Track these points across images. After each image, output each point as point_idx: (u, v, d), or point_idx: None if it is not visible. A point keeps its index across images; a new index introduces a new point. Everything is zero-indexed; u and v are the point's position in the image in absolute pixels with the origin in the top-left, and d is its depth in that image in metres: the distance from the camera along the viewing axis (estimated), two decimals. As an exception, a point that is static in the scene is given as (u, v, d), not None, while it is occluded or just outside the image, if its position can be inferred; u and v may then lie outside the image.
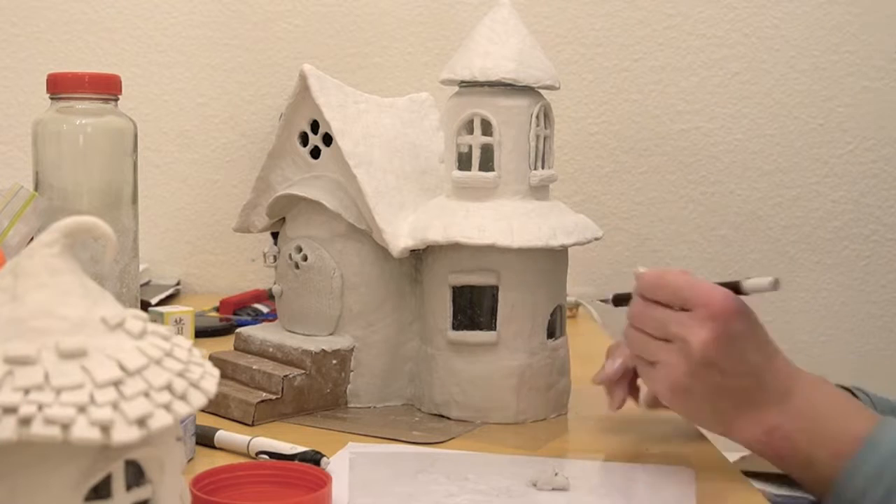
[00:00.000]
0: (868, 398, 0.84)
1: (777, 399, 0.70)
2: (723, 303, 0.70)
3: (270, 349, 0.91)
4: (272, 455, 0.73)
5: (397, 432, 0.82)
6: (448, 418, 0.87)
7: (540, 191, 0.88)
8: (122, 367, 0.39)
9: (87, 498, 0.38)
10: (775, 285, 0.73)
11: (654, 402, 0.80)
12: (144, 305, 1.23)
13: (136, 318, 0.42)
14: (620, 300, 0.81)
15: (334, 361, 0.89)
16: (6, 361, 0.38)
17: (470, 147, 0.87)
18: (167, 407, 0.39)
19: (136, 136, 1.00)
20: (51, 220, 0.61)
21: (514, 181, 0.86)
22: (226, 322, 1.25)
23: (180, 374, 0.41)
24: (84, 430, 0.36)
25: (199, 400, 0.40)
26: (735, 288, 0.73)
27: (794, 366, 0.73)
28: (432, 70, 1.51)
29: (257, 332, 0.93)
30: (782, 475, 0.75)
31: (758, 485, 0.75)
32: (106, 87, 0.98)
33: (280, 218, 0.95)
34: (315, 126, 0.91)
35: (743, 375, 0.70)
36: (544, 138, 0.88)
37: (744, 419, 0.70)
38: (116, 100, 0.99)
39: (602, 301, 0.84)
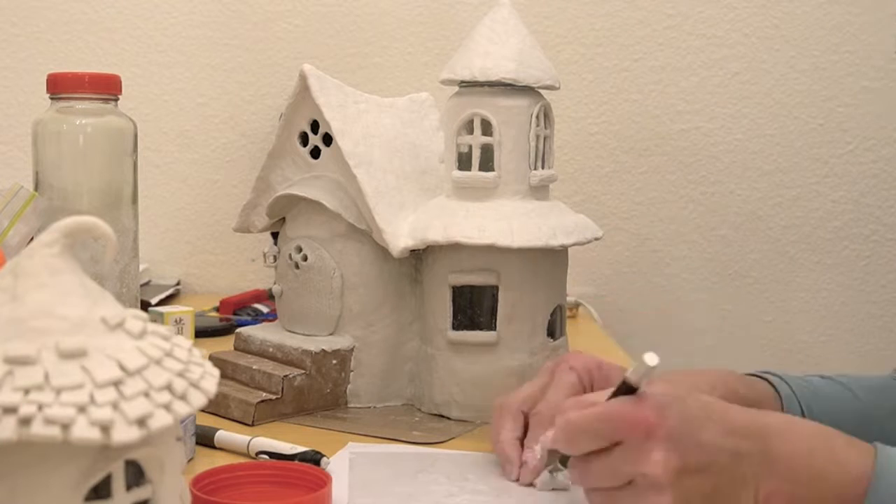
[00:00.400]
0: (784, 382, 0.81)
1: (759, 460, 0.63)
2: (642, 418, 0.61)
3: (270, 349, 0.91)
4: (272, 455, 0.73)
5: (397, 432, 0.83)
6: (448, 418, 0.87)
7: (540, 191, 0.88)
8: (122, 367, 0.39)
9: (87, 498, 0.38)
10: (651, 363, 0.62)
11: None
12: (144, 305, 1.23)
13: (136, 318, 0.42)
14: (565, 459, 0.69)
15: (334, 361, 0.89)
16: (6, 361, 0.38)
17: (470, 147, 0.87)
18: (167, 407, 0.39)
19: (136, 136, 1.00)
20: (51, 220, 0.60)
21: (514, 181, 0.86)
22: (226, 322, 1.25)
23: (180, 374, 0.41)
24: (84, 430, 0.36)
25: (199, 400, 0.40)
26: (627, 389, 0.63)
27: (749, 410, 0.66)
28: (432, 70, 1.51)
29: (257, 332, 0.93)
30: None
31: None
32: (106, 87, 0.98)
33: (280, 218, 0.95)
34: (315, 126, 0.91)
35: (713, 458, 0.62)
36: (544, 138, 0.88)
37: (743, 495, 0.62)
38: (116, 100, 0.99)
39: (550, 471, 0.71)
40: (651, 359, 0.61)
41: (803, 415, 0.81)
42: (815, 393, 0.83)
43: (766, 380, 0.82)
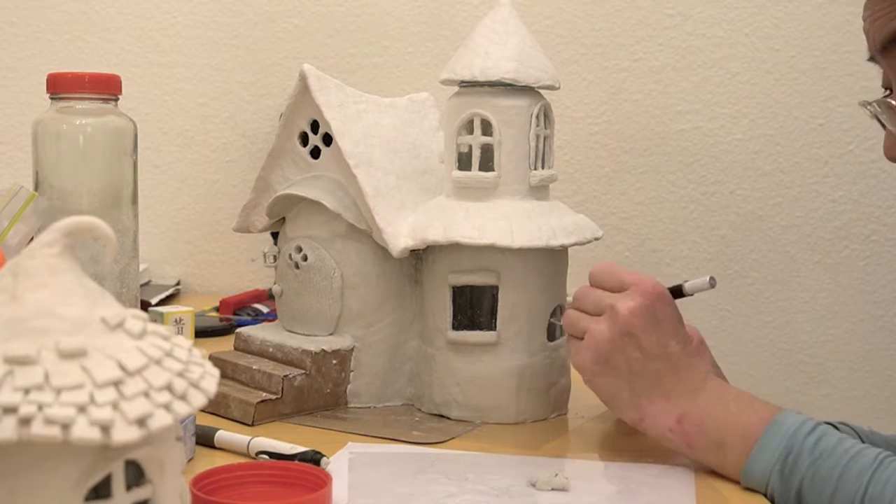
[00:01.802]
0: (853, 431, 0.87)
1: (689, 392, 0.75)
2: (653, 285, 0.77)
3: (270, 349, 0.91)
4: (272, 455, 0.73)
5: (397, 432, 0.83)
6: (448, 418, 0.87)
7: (540, 191, 0.88)
8: (122, 367, 0.39)
9: (87, 498, 0.38)
10: (712, 283, 0.80)
11: None
12: (144, 305, 1.23)
13: (136, 318, 0.42)
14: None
15: (334, 361, 0.89)
16: (6, 361, 0.38)
17: (470, 147, 0.87)
18: (167, 407, 0.39)
19: (136, 136, 1.00)
20: (51, 220, 0.60)
21: (514, 181, 0.86)
22: (226, 322, 1.25)
23: (180, 374, 0.41)
24: (84, 430, 0.36)
25: (199, 400, 0.40)
26: (678, 291, 0.81)
27: (708, 369, 0.79)
28: (432, 70, 1.51)
29: (257, 332, 0.93)
30: None
31: None
32: (106, 87, 0.98)
33: (280, 218, 0.95)
34: (315, 126, 0.91)
35: (660, 358, 0.75)
36: (544, 138, 0.88)
37: (657, 406, 0.75)
38: (116, 100, 0.99)
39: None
40: (711, 281, 0.80)
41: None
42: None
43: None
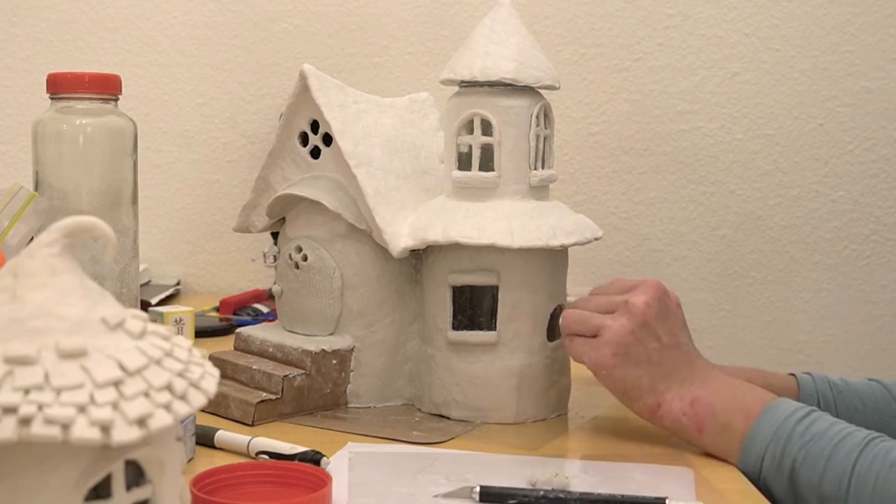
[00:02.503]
0: (812, 380, 0.95)
1: (701, 377, 0.79)
2: (658, 281, 0.81)
3: (270, 349, 0.91)
4: (272, 455, 0.73)
5: (397, 432, 0.83)
6: (448, 418, 0.87)
7: (540, 191, 0.88)
8: (122, 367, 0.39)
9: (87, 498, 0.38)
10: None
11: None
12: (144, 305, 1.23)
13: (136, 318, 0.42)
14: None
15: (334, 361, 0.89)
16: (6, 361, 0.38)
17: (470, 147, 0.87)
18: (167, 407, 0.39)
19: (136, 136, 1.00)
20: (51, 220, 0.60)
21: (514, 181, 0.86)
22: (226, 322, 1.25)
23: (180, 374, 0.41)
24: (84, 430, 0.36)
25: (199, 400, 0.40)
26: None
27: (710, 363, 0.83)
28: (432, 70, 1.51)
29: (257, 332, 0.93)
30: None
31: None
32: (106, 87, 0.98)
33: (280, 218, 0.95)
34: (315, 126, 0.91)
35: (674, 347, 0.79)
36: (544, 138, 0.88)
37: (673, 392, 0.78)
38: (116, 100, 0.99)
39: None
40: None
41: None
42: (841, 391, 0.94)
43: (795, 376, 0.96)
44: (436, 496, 0.68)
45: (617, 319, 0.78)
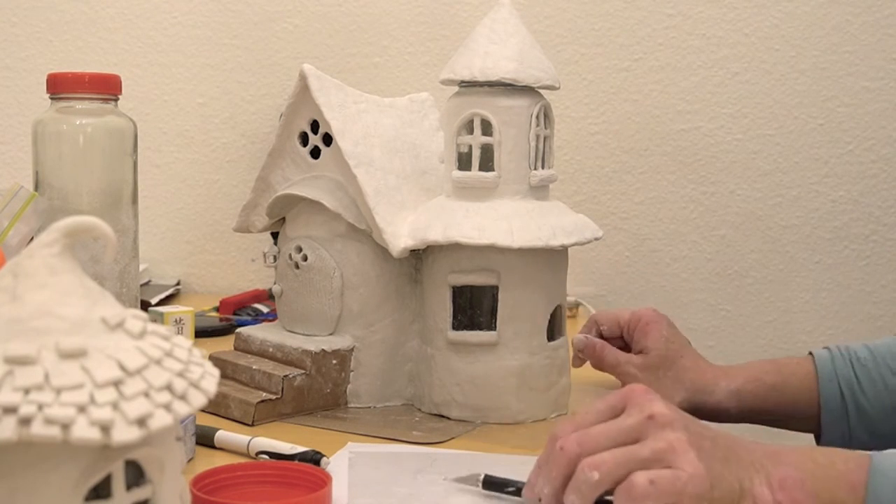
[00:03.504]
0: (830, 358, 0.93)
1: (762, 453, 0.64)
2: (639, 384, 0.64)
3: (270, 349, 0.91)
4: (272, 455, 0.73)
5: (397, 432, 0.83)
6: (448, 418, 0.87)
7: (540, 191, 0.88)
8: (122, 367, 0.39)
9: (87, 498, 0.38)
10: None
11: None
12: (144, 305, 1.23)
13: (136, 318, 0.42)
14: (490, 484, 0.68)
15: (334, 361, 0.89)
16: (6, 361, 0.38)
17: (470, 147, 0.87)
18: (167, 407, 0.39)
19: (136, 136, 1.00)
20: (51, 220, 0.60)
21: (514, 181, 0.86)
22: (226, 322, 1.25)
23: (180, 374, 0.41)
24: (84, 430, 0.36)
25: (199, 400, 0.40)
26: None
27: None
28: (432, 70, 1.51)
29: (257, 332, 0.93)
30: None
31: None
32: (106, 87, 0.98)
33: (280, 218, 0.95)
34: (315, 126, 0.91)
35: (714, 435, 0.63)
36: (544, 138, 0.88)
37: (757, 482, 0.62)
38: (116, 100, 0.99)
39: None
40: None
41: (842, 396, 0.91)
42: (864, 365, 0.91)
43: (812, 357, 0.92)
44: (445, 478, 0.68)
45: (659, 439, 0.60)
